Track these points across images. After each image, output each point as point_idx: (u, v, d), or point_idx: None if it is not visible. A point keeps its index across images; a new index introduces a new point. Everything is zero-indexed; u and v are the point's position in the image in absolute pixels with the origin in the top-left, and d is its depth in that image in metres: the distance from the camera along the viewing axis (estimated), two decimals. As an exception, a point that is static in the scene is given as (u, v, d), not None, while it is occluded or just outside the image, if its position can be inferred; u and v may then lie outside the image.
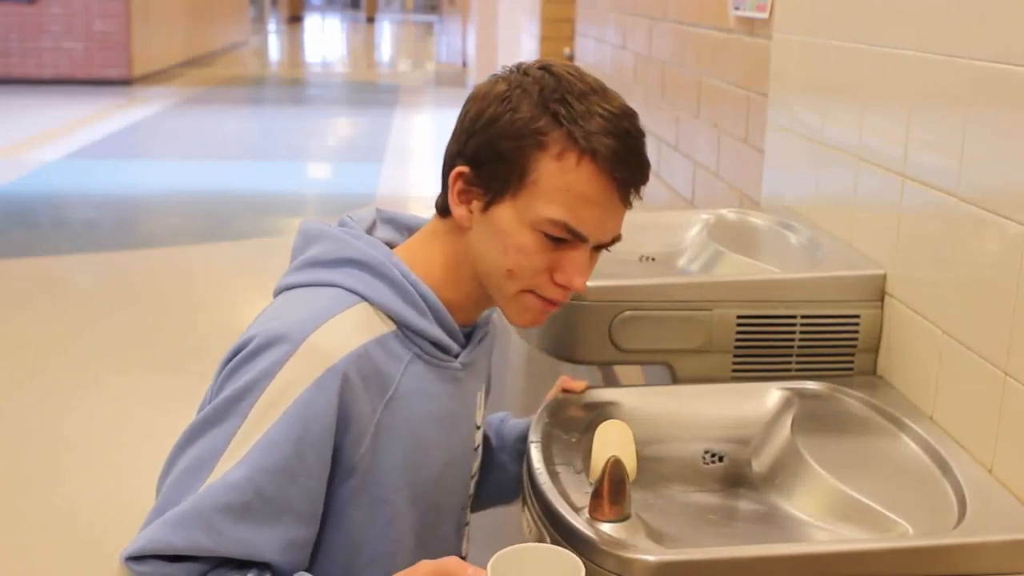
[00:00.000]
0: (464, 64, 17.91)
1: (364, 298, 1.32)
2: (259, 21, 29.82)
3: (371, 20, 36.50)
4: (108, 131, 11.87)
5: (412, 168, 10.04)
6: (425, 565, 1.21)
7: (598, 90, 1.31)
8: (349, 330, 1.29)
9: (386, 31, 32.72)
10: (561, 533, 1.28)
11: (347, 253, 1.35)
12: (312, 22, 37.22)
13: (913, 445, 1.54)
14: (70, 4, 15.55)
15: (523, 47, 8.33)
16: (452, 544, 1.46)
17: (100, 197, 8.70)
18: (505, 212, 1.30)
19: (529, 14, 7.96)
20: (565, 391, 1.63)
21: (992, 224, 1.47)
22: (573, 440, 1.51)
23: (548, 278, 1.32)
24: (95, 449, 4.07)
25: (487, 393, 1.57)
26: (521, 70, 1.34)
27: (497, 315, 1.53)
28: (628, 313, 1.72)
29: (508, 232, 1.30)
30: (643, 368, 2.11)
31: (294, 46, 28.22)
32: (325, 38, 31.85)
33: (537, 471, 1.39)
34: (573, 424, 1.55)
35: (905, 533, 1.31)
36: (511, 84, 1.32)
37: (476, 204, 1.33)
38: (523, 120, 1.28)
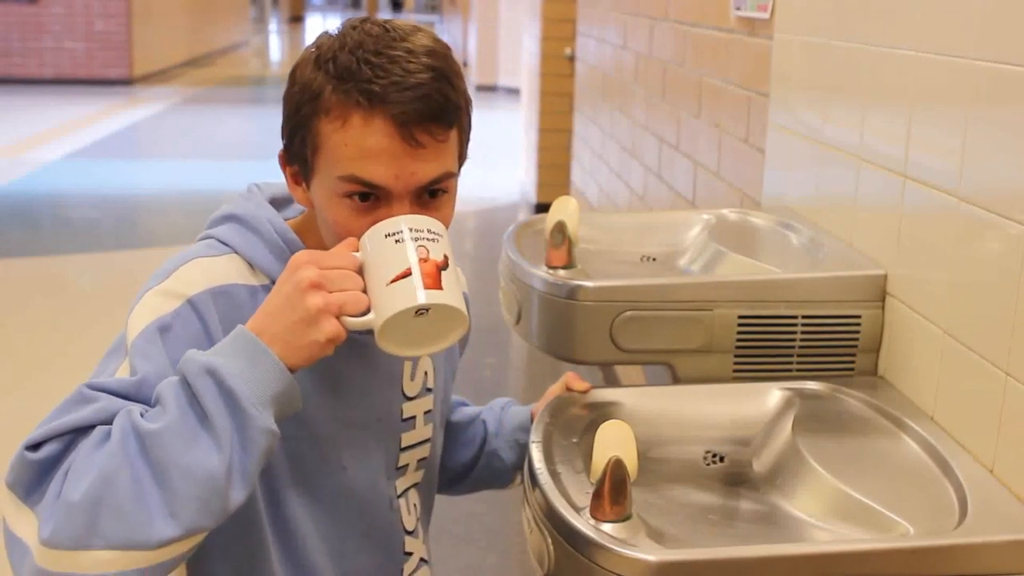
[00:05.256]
0: (465, 63, 17.90)
1: (235, 250, 1.32)
2: (260, 21, 29.81)
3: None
4: (109, 131, 11.87)
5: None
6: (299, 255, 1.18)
7: (380, 36, 1.24)
8: (208, 272, 1.28)
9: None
10: (562, 533, 1.28)
11: (228, 210, 1.37)
12: (313, 22, 37.22)
13: (914, 445, 1.54)
14: (71, 4, 15.55)
15: (524, 46, 8.33)
16: (380, 514, 1.45)
17: (101, 197, 8.70)
18: (316, 189, 1.29)
19: (530, 14, 7.95)
20: (569, 389, 1.63)
21: (993, 224, 1.47)
22: (574, 441, 1.51)
23: None
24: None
25: (449, 371, 1.58)
26: (316, 39, 1.31)
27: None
28: (629, 313, 1.71)
29: (324, 207, 1.28)
30: (644, 368, 2.11)
31: (295, 46, 28.20)
32: (326, 38, 31.71)
33: (538, 471, 1.39)
34: (574, 425, 1.55)
35: (906, 533, 1.31)
36: (300, 56, 1.30)
37: (304, 184, 1.32)
38: (300, 89, 1.27)
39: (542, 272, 1.75)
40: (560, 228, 1.75)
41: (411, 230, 1.19)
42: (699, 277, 1.95)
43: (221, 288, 1.28)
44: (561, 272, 1.75)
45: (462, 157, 1.34)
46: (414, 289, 1.15)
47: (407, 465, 1.49)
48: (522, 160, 8.35)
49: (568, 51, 7.03)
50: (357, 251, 1.20)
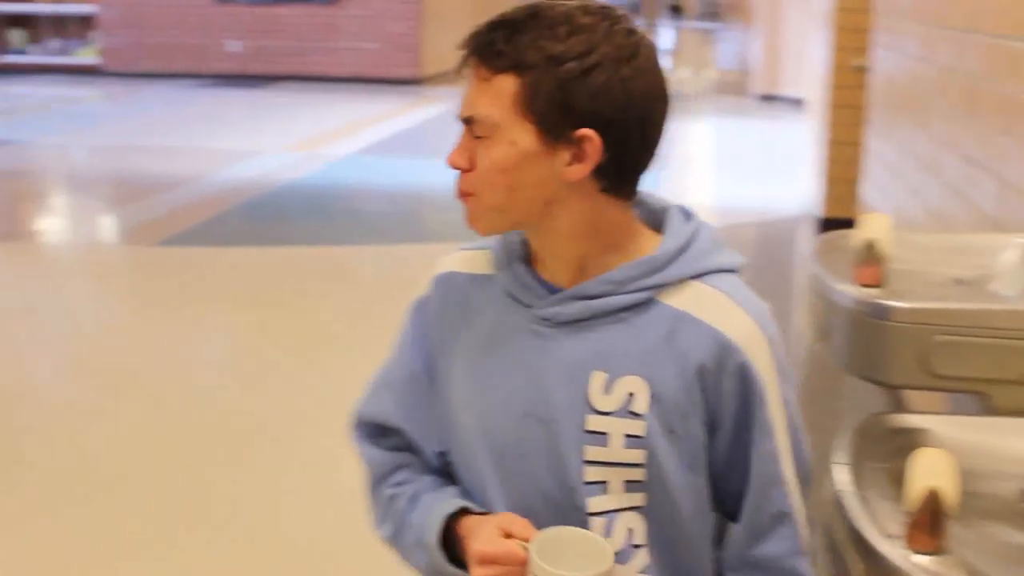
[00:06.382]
0: (745, 71, 17.66)
1: (490, 246, 1.51)
2: (543, 25, 30.26)
3: (652, 26, 36.51)
4: (398, 128, 12.35)
5: (692, 175, 9.99)
6: (498, 517, 1.37)
7: None
8: (448, 261, 1.53)
9: (666, 37, 32.72)
10: (871, 560, 1.25)
11: None
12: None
13: None
14: (367, 5, 16.27)
15: (813, 57, 8.14)
16: (567, 521, 1.38)
17: (388, 191, 9.06)
18: None
19: (821, 23, 7.76)
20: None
21: None
22: (884, 465, 1.46)
23: None
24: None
25: (654, 402, 1.37)
26: None
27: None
28: (943, 338, 1.65)
29: None
30: (950, 396, 2.03)
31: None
32: (606, 43, 31.93)
33: (846, 494, 1.36)
34: (883, 448, 1.50)
35: None
36: None
37: None
38: None
39: (851, 290, 1.71)
40: (871, 246, 1.71)
41: None
42: (1020, 305, 1.85)
43: (445, 274, 1.52)
44: (871, 291, 1.70)
45: (536, 116, 1.34)
46: None
47: (605, 483, 1.40)
48: (807, 173, 8.16)
49: (859, 62, 6.82)
50: (527, 540, 1.32)
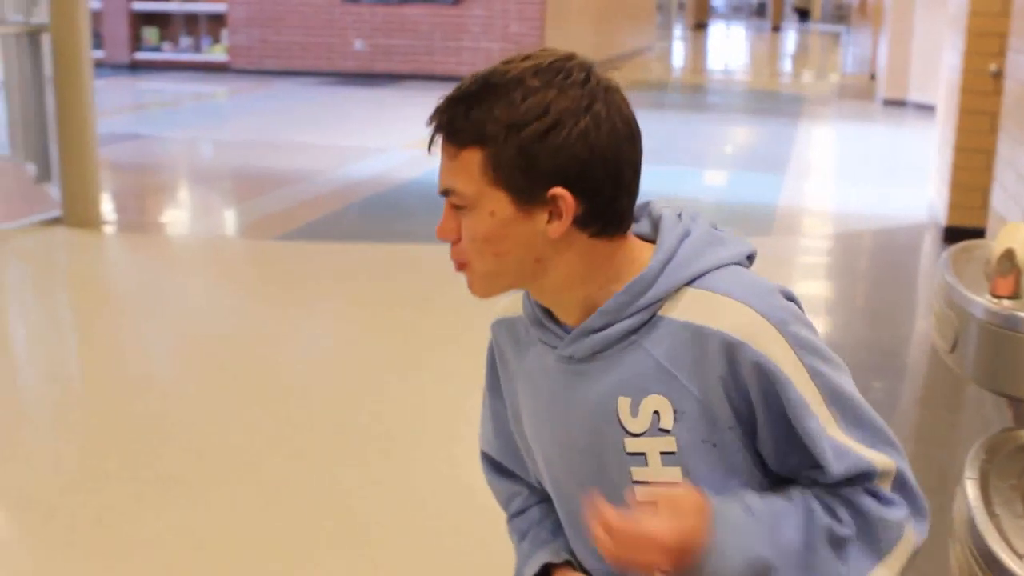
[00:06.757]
0: (872, 76, 17.31)
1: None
2: (665, 27, 30.19)
3: (776, 29, 36.02)
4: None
5: (815, 181, 9.82)
6: None
7: (504, 61, 1.38)
8: (497, 309, 1.57)
9: (791, 40, 32.28)
10: (1000, 580, 1.20)
11: None
12: (717, 29, 37.26)
13: None
14: (489, 5, 16.38)
15: (944, 61, 7.94)
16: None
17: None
18: None
19: (953, 26, 7.56)
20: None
21: None
22: (1013, 482, 1.41)
23: None
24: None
25: (678, 416, 1.38)
26: None
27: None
28: (1081, 352, 1.58)
29: None
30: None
31: (698, 52, 28.36)
32: (729, 45, 31.75)
33: (975, 509, 1.31)
34: (1013, 465, 1.45)
35: None
36: None
37: None
38: None
39: (985, 300, 1.65)
40: (1009, 256, 1.65)
41: None
42: None
43: (496, 321, 1.57)
44: (1007, 302, 1.64)
45: (505, 184, 1.35)
46: None
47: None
48: (933, 180, 7.96)
49: (993, 67, 6.63)
50: None
